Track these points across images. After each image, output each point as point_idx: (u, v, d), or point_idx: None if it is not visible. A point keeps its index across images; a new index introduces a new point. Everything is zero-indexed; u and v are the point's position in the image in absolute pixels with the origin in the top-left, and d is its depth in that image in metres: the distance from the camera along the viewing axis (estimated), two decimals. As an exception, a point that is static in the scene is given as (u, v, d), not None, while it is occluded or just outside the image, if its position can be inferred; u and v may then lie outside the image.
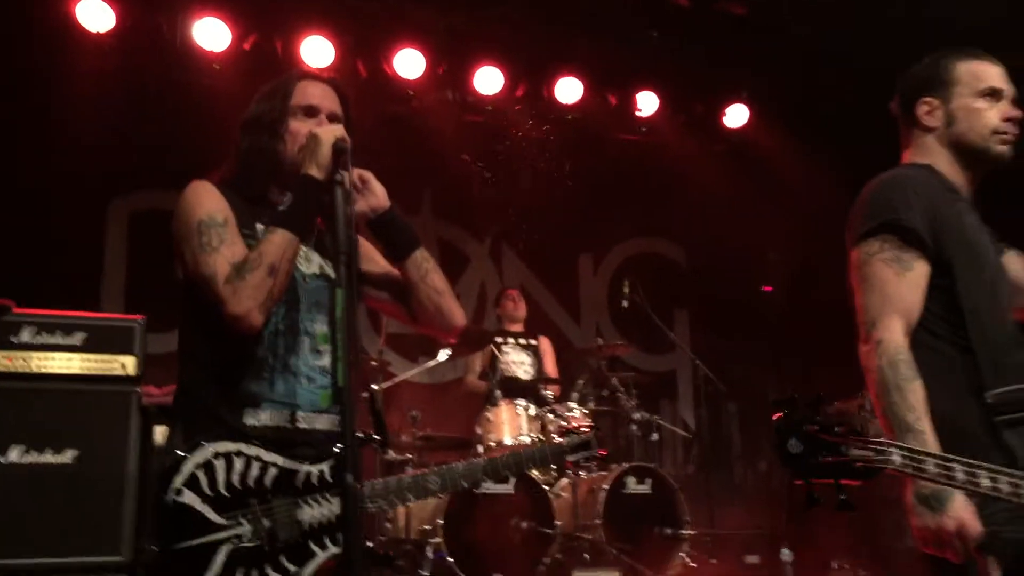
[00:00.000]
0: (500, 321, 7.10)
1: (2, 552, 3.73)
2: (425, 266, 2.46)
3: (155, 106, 6.62)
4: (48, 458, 3.88)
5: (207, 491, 2.08)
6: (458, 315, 2.52)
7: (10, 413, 3.87)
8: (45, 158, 6.41)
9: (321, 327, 2.34)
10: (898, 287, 2.12)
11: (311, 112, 2.41)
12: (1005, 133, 2.30)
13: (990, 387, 2.04)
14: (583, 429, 2.75)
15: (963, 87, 2.33)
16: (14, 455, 3.83)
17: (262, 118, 2.39)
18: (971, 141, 2.31)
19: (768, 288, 8.62)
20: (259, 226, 2.31)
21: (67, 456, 3.91)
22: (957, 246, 2.17)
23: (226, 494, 2.10)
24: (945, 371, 2.07)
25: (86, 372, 4.05)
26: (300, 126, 2.37)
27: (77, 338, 4.06)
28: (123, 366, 4.11)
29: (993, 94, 2.33)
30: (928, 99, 2.37)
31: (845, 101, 7.59)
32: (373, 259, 2.58)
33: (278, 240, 2.19)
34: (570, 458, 2.71)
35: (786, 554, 5.59)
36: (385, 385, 5.97)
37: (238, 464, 2.12)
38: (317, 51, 6.67)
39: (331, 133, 2.24)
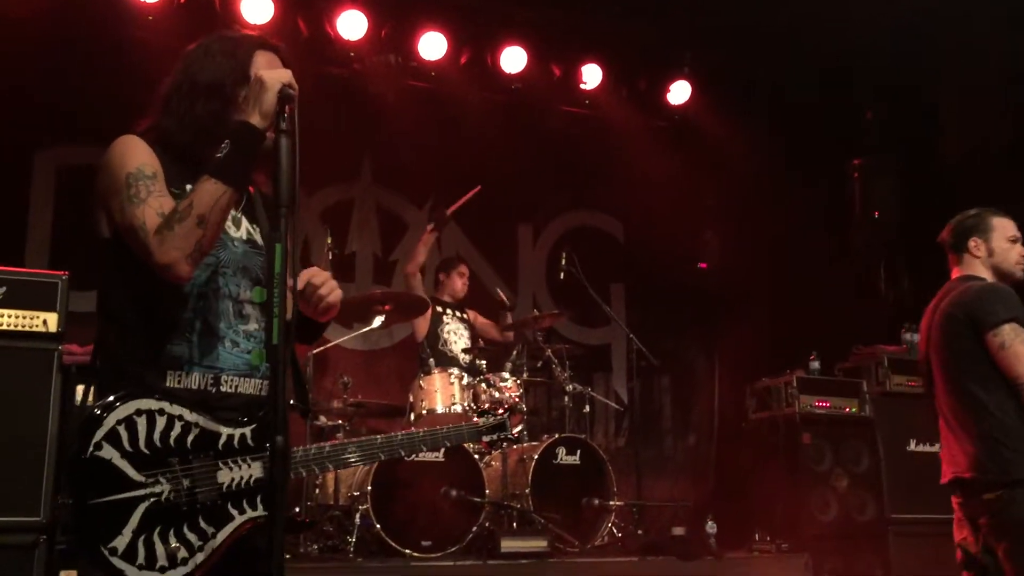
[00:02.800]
0: (438, 288, 7.05)
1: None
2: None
3: (86, 58, 6.41)
4: (-37, 415, 3.78)
5: (127, 447, 2.03)
6: None
7: (-77, 368, 3.76)
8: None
9: (246, 292, 2.30)
10: None
11: None
12: (1020, 264, 3.65)
13: None
14: (499, 412, 2.84)
15: (997, 233, 3.65)
16: (-73, 412, 3.72)
17: (222, 86, 2.26)
18: (1005, 269, 3.62)
19: (703, 265, 8.72)
20: (188, 187, 2.23)
21: (-17, 413, 3.81)
22: None
23: (146, 451, 2.05)
24: None
25: (5, 328, 3.95)
26: None
27: (-4, 292, 3.94)
28: (44, 323, 4.01)
29: (1015, 240, 3.67)
30: (976, 239, 3.65)
31: (786, 82, 7.69)
32: None
33: (210, 189, 2.10)
34: (485, 438, 2.80)
35: (710, 526, 5.69)
36: (317, 350, 5.91)
37: (160, 422, 2.08)
38: (257, 7, 6.52)
39: (278, 78, 2.12)
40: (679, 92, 8.06)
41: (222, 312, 2.25)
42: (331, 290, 2.32)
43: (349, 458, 2.40)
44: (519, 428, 6.23)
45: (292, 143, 2.05)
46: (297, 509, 5.32)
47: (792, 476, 6.18)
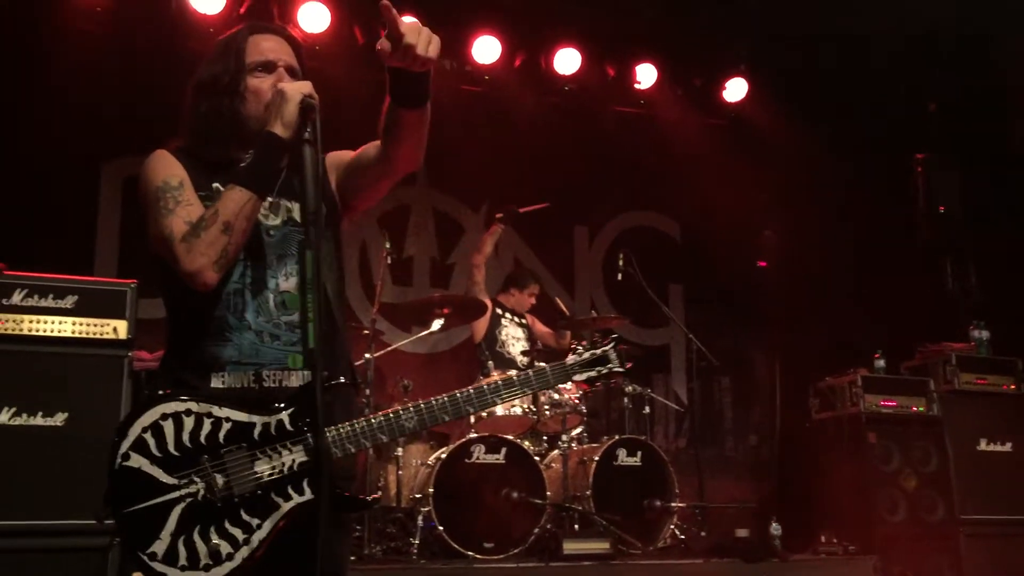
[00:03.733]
0: (504, 294, 7.03)
1: (-7, 513, 3.75)
2: (427, 117, 2.38)
3: (149, 69, 6.55)
4: (39, 420, 3.89)
5: (156, 452, 2.06)
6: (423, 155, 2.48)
7: (1, 375, 3.87)
8: (39, 121, 6.35)
9: (287, 281, 2.29)
10: None
11: (268, 67, 2.36)
12: None
13: None
14: (605, 343, 2.39)
15: None
16: (5, 417, 3.84)
17: (219, 79, 2.34)
18: None
19: (763, 264, 8.62)
20: (216, 186, 2.28)
21: (58, 419, 3.92)
22: None
23: (176, 454, 2.07)
24: None
25: (77, 335, 4.06)
26: (259, 83, 2.33)
27: (69, 301, 4.06)
28: (115, 330, 4.12)
29: None
30: None
31: (845, 76, 7.57)
32: (340, 161, 2.50)
33: (236, 197, 2.16)
34: (578, 378, 2.42)
35: (775, 528, 5.62)
36: (378, 354, 5.96)
37: (188, 422, 2.09)
38: (314, 16, 6.61)
39: (298, 90, 2.19)
40: (735, 89, 7.99)
41: (260, 307, 2.25)
42: (428, 41, 2.15)
43: (406, 424, 2.23)
44: (579, 429, 6.23)
45: (315, 152, 2.10)
46: (363, 496, 5.38)
47: (858, 477, 6.07)
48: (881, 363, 6.55)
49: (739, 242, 8.35)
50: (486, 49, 7.31)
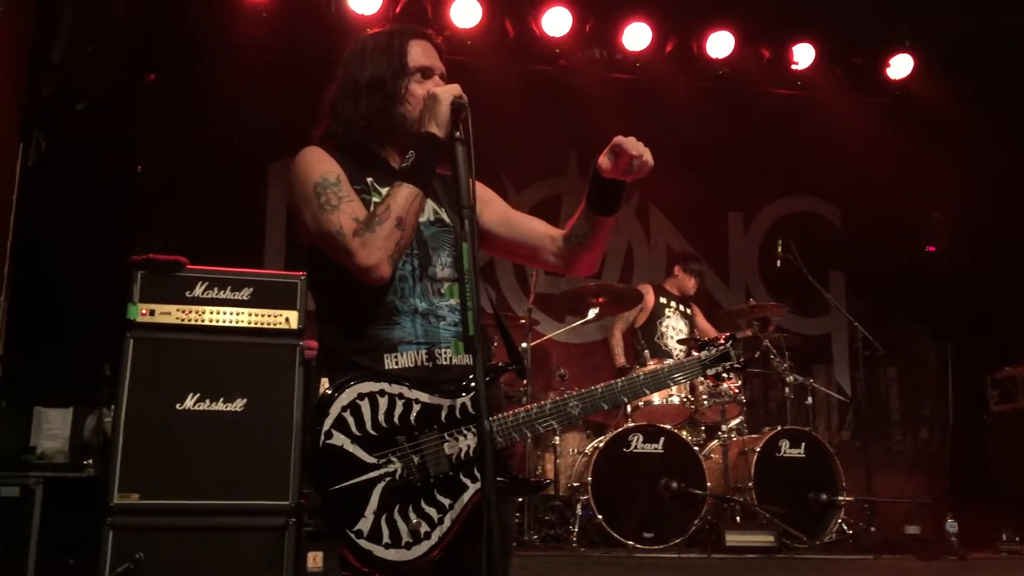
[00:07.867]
0: (668, 279, 6.98)
1: (176, 493, 3.97)
2: (612, 226, 2.54)
3: (311, 71, 6.78)
4: (220, 406, 4.10)
5: (355, 431, 2.13)
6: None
7: (186, 363, 4.10)
8: (212, 125, 6.71)
9: (443, 270, 2.38)
10: None
11: (426, 73, 2.45)
12: None
13: None
14: (720, 341, 2.56)
15: None
16: (190, 402, 4.06)
17: (383, 80, 2.42)
18: None
19: (931, 249, 8.20)
20: (369, 180, 2.38)
21: (237, 404, 4.11)
22: None
23: (374, 433, 2.14)
24: None
25: (254, 325, 4.24)
26: (418, 89, 2.41)
27: (245, 293, 4.25)
28: (287, 320, 4.29)
29: None
30: None
31: (1017, 47, 7.09)
32: (493, 202, 2.60)
33: (405, 193, 2.24)
34: (710, 372, 2.56)
35: (951, 525, 5.33)
36: (533, 343, 6.01)
37: (383, 403, 2.16)
38: (466, 11, 6.71)
39: (449, 92, 2.28)
40: (900, 66, 7.60)
41: (423, 291, 2.33)
42: (643, 151, 2.35)
43: (572, 411, 2.31)
44: (738, 420, 6.10)
45: (467, 150, 2.18)
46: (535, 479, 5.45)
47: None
48: (1067, 352, 6.14)
49: (906, 226, 7.99)
50: (637, 36, 7.23)
